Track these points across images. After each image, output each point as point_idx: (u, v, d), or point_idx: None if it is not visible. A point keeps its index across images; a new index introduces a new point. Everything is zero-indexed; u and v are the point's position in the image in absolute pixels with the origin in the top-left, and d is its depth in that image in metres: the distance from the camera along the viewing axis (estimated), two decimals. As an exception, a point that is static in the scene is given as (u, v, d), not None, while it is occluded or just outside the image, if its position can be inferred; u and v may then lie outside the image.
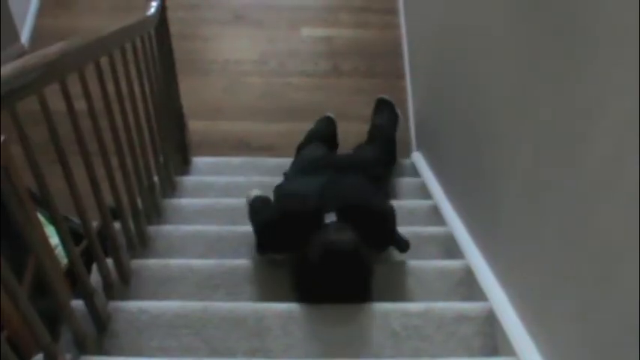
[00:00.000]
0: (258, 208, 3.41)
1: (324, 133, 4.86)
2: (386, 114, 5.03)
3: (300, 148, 4.56)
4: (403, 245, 3.21)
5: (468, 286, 3.09)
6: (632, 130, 1.66)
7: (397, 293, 3.00)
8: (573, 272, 2.05)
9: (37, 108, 2.10)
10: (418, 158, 4.82)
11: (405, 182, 4.56)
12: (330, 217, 2.92)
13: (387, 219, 3.19)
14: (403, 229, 3.55)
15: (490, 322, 2.74)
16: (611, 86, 1.80)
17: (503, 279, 2.77)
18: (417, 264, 3.17)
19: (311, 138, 4.70)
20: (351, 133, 5.15)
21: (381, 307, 2.76)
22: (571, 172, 2.05)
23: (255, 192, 3.67)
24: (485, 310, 2.78)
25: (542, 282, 2.32)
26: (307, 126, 5.07)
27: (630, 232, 1.67)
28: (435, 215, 3.88)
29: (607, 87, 1.82)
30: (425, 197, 4.21)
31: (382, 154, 4.42)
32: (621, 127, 1.74)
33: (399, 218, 3.73)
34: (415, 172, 4.74)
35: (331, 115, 5.14)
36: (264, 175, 4.45)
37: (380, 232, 3.13)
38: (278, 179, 4.17)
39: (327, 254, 2.75)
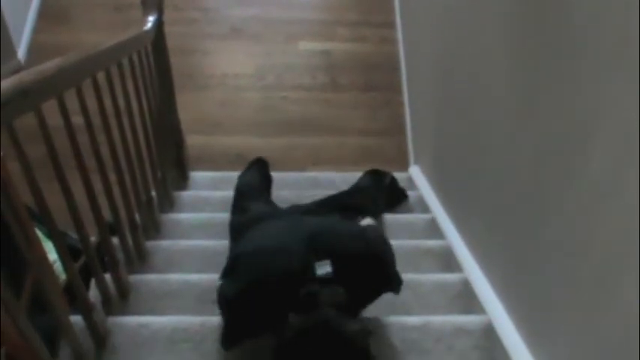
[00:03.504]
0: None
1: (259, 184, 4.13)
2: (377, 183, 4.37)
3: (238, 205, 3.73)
4: (399, 284, 2.65)
5: (466, 299, 3.09)
6: (630, 142, 1.67)
7: (395, 307, 2.99)
8: (573, 285, 2.05)
9: (34, 123, 2.10)
10: (416, 172, 4.81)
11: (402, 195, 4.55)
12: (324, 268, 2.29)
13: (388, 260, 2.61)
14: (401, 243, 3.54)
15: (488, 335, 2.74)
16: (609, 100, 1.80)
17: (502, 292, 2.77)
18: (415, 277, 3.16)
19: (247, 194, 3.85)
20: (348, 147, 5.17)
21: (379, 320, 2.75)
22: (570, 184, 2.06)
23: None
24: (483, 324, 2.77)
25: (541, 295, 2.32)
26: (305, 141, 5.08)
27: (630, 245, 1.67)
28: (433, 229, 3.88)
29: (605, 101, 1.82)
30: (423, 211, 4.21)
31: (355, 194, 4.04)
32: (620, 140, 1.74)
33: (397, 232, 3.74)
34: (413, 186, 4.73)
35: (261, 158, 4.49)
36: (262, 189, 4.46)
37: (381, 277, 2.55)
38: (276, 192, 4.18)
39: (311, 342, 2.13)
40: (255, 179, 4.13)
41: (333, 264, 2.30)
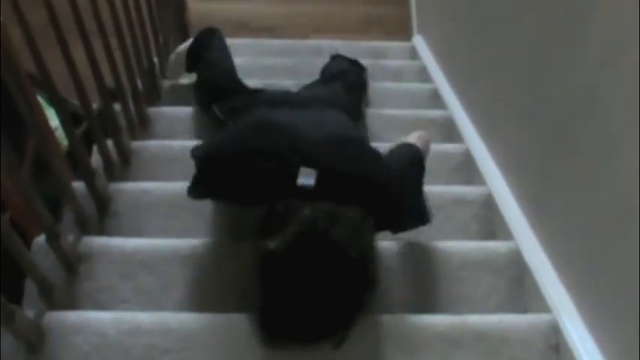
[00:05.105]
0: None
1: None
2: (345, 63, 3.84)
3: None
4: (423, 218, 2.33)
5: (466, 169, 3.10)
6: (632, 10, 1.65)
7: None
8: (573, 153, 2.06)
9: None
10: (419, 42, 4.78)
11: (405, 65, 4.53)
12: (307, 178, 1.98)
13: (397, 200, 2.18)
14: (403, 112, 3.54)
15: (488, 206, 2.77)
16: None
17: (502, 163, 2.78)
18: (416, 147, 3.18)
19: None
20: (351, 15, 5.11)
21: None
22: (572, 54, 2.05)
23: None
24: (483, 194, 2.80)
25: (541, 165, 2.34)
26: (307, 8, 5.02)
27: (630, 112, 1.67)
28: (435, 99, 3.87)
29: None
30: (425, 81, 4.19)
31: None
32: (622, 7, 1.73)
33: (399, 101, 3.71)
34: (416, 56, 4.71)
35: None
36: (264, 56, 4.43)
37: (386, 215, 2.13)
38: (278, 60, 4.16)
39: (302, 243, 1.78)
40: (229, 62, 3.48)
41: (324, 179, 1.99)
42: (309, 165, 2.00)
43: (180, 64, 3.64)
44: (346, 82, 3.37)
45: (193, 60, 3.49)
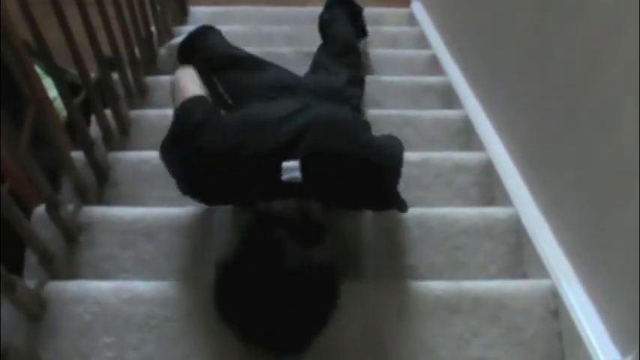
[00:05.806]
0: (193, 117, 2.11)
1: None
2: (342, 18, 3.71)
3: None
4: (402, 206, 2.23)
5: (466, 135, 3.10)
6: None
7: (396, 143, 3.00)
8: (573, 122, 2.05)
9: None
10: (417, 8, 4.75)
11: (404, 31, 4.51)
12: (291, 169, 1.91)
13: (384, 176, 2.11)
14: (402, 79, 3.52)
15: (487, 172, 2.76)
16: None
17: (502, 129, 2.78)
18: (415, 113, 3.17)
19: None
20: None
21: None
22: (573, 24, 2.04)
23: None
24: (482, 160, 2.79)
25: (541, 131, 2.33)
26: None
27: (630, 82, 1.67)
28: (434, 65, 3.85)
29: None
30: (423, 47, 4.18)
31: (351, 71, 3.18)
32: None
33: (398, 68, 3.70)
34: (414, 22, 4.69)
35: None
36: (263, 23, 4.41)
37: (371, 193, 2.10)
38: (277, 28, 4.14)
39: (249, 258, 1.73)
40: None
41: (314, 164, 1.94)
42: (297, 156, 1.93)
43: (172, 56, 3.59)
44: (351, 64, 3.27)
45: (187, 52, 3.29)
